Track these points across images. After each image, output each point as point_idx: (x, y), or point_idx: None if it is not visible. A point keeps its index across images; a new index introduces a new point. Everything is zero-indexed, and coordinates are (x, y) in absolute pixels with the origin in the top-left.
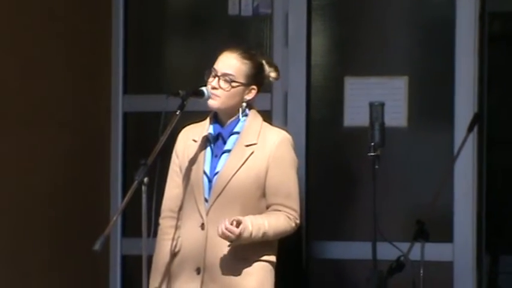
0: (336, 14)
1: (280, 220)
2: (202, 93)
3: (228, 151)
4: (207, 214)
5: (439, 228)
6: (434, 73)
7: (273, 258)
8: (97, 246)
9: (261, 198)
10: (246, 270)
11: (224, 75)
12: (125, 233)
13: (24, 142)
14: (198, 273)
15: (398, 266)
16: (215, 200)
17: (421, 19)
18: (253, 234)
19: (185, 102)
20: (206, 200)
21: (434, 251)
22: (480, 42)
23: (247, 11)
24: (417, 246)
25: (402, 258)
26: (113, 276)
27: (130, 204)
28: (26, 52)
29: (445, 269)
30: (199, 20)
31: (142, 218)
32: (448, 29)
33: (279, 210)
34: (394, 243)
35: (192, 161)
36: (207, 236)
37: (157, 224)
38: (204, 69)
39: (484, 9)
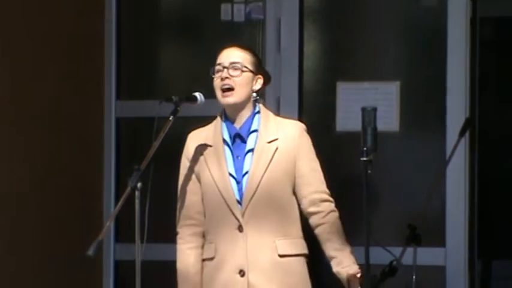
0: (328, 19)
1: (335, 228)
2: (195, 99)
3: (252, 150)
4: (242, 216)
5: (431, 232)
6: (426, 78)
7: (306, 251)
8: (91, 251)
9: (292, 195)
10: (286, 267)
11: (232, 63)
12: (118, 239)
13: (17, 148)
14: (242, 275)
15: (391, 270)
16: (250, 200)
17: (413, 24)
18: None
19: (178, 108)
20: (239, 202)
21: (427, 256)
22: (472, 47)
23: (239, 16)
24: (409, 250)
25: (395, 262)
26: (106, 281)
27: (124, 210)
28: (18, 58)
29: (438, 274)
30: (191, 25)
31: (135, 224)
32: (439, 34)
33: (324, 200)
34: (387, 247)
35: (212, 165)
36: (247, 237)
37: (176, 233)
38: (197, 75)
39: (475, 14)
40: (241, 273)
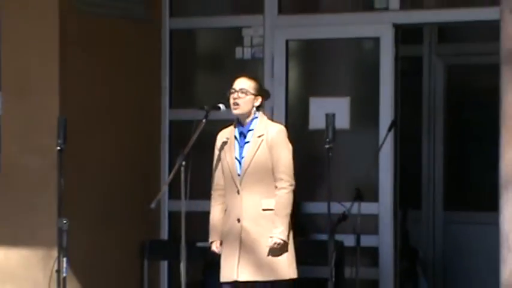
0: (305, 56)
1: (280, 200)
2: (219, 108)
3: (248, 142)
4: (240, 184)
5: (369, 193)
6: (366, 95)
7: None
8: (153, 205)
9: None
10: (268, 217)
11: (240, 89)
12: (171, 196)
13: (107, 140)
14: (238, 221)
15: (343, 217)
16: (244, 174)
17: (358, 60)
18: (284, 228)
19: (208, 114)
20: (238, 175)
21: (366, 208)
22: (395, 75)
23: (247, 55)
24: (356, 204)
25: (346, 212)
26: (162, 225)
27: (174, 179)
28: (111, 84)
29: (373, 220)
30: (216, 60)
31: (181, 187)
32: (375, 66)
33: (281, 179)
34: (342, 202)
35: (227, 152)
36: (242, 198)
37: (210, 195)
38: (221, 92)
39: (397, 54)
40: (238, 220)
